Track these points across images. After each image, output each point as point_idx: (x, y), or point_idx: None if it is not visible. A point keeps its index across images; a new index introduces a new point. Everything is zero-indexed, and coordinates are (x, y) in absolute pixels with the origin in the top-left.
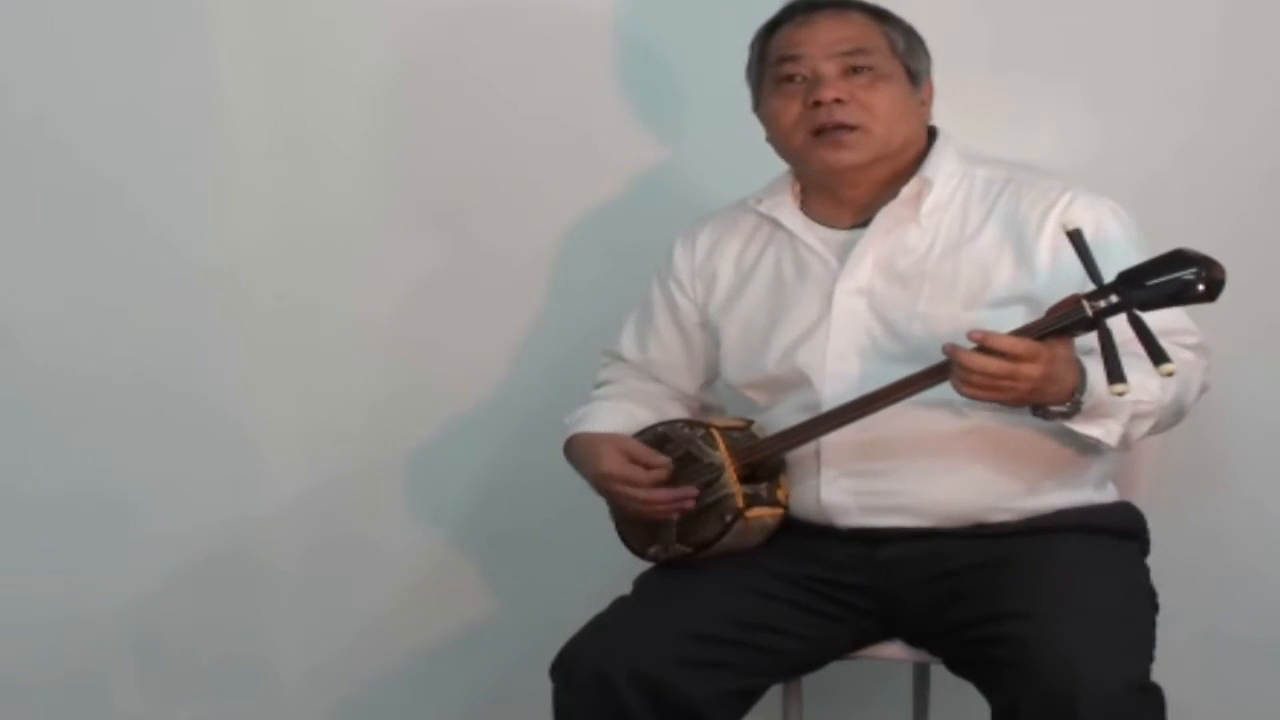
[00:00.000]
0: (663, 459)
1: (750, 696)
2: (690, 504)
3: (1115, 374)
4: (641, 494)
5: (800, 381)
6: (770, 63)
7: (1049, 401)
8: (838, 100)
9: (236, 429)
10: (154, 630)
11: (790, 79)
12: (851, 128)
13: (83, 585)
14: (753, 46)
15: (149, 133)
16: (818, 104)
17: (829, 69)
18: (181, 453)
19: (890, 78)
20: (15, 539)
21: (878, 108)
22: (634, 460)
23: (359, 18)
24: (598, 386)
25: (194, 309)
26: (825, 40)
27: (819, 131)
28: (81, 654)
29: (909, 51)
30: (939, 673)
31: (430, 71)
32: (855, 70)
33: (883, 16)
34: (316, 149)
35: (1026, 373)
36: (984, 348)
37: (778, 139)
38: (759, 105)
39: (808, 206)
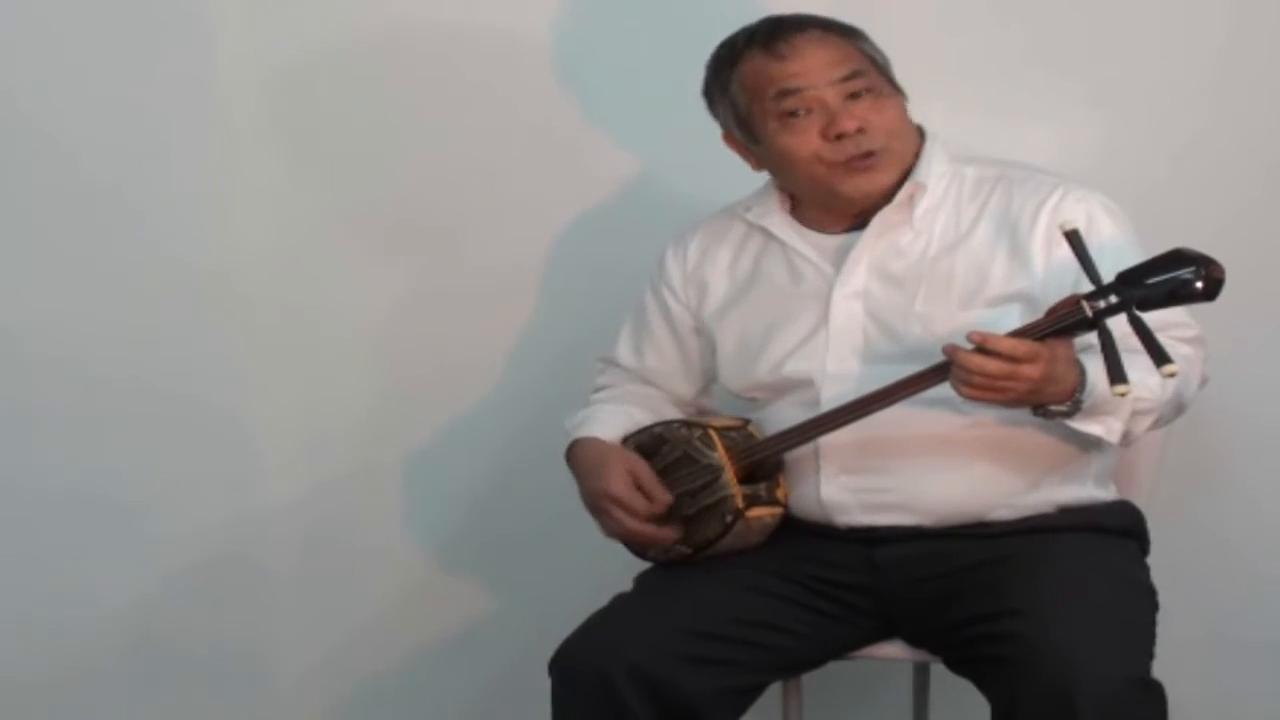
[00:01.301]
0: (666, 495)
1: (750, 694)
2: (668, 541)
3: (1117, 375)
4: (632, 525)
5: (800, 385)
6: (763, 96)
7: (1049, 401)
8: (859, 130)
9: (235, 430)
10: (153, 630)
11: (794, 114)
12: (873, 152)
13: (82, 585)
14: (720, 71)
15: (148, 135)
16: (840, 136)
17: (832, 97)
18: (180, 453)
19: (886, 94)
20: (14, 538)
21: (890, 126)
22: (639, 487)
23: (356, 25)
24: (595, 392)
25: (192, 310)
26: (818, 66)
27: (842, 162)
28: (80, 653)
29: (885, 64)
30: (939, 672)
31: (425, 79)
32: (854, 95)
33: (851, 34)
34: (314, 153)
35: (1026, 374)
36: (983, 349)
37: (793, 173)
38: (756, 139)
39: (799, 214)
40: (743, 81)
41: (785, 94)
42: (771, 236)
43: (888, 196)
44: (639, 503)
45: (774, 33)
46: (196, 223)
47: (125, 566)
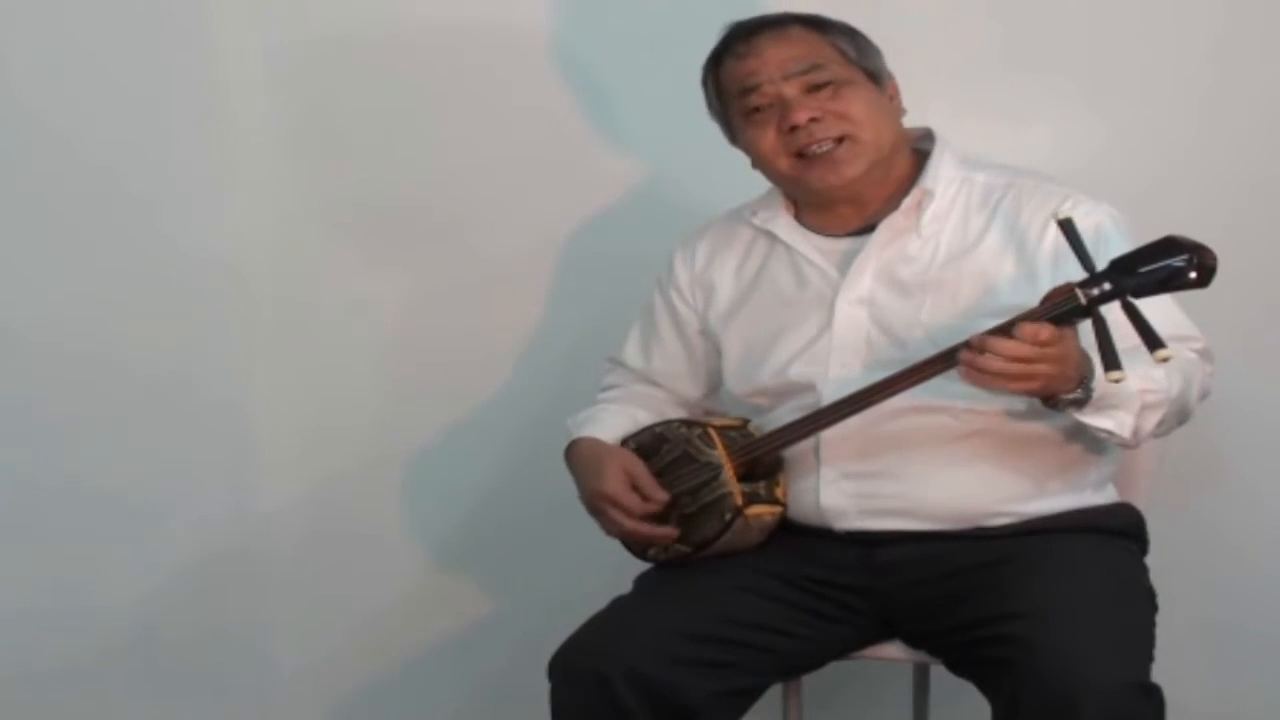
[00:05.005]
0: (662, 494)
1: (748, 696)
2: (666, 540)
3: (1110, 361)
4: (628, 524)
5: (802, 390)
6: (732, 97)
7: (1063, 390)
8: (813, 119)
9: (238, 425)
10: (155, 625)
11: (758, 110)
12: (839, 140)
13: (84, 580)
14: (704, 84)
15: (152, 126)
16: (794, 128)
17: (790, 91)
18: (183, 449)
19: (853, 83)
20: (14, 533)
21: (853, 114)
22: (635, 487)
23: (361, 19)
24: (602, 391)
25: (196, 305)
26: (775, 62)
27: (801, 154)
28: (83, 648)
29: (861, 55)
30: (939, 673)
31: (433, 74)
32: (817, 87)
33: (821, 26)
34: (319, 147)
35: (1053, 355)
36: (1007, 337)
37: (764, 167)
38: (736, 139)
39: (803, 217)
40: (719, 85)
41: (746, 91)
42: (777, 240)
43: (893, 203)
44: (634, 502)
45: (736, 35)
46: (200, 217)
47: (127, 561)
